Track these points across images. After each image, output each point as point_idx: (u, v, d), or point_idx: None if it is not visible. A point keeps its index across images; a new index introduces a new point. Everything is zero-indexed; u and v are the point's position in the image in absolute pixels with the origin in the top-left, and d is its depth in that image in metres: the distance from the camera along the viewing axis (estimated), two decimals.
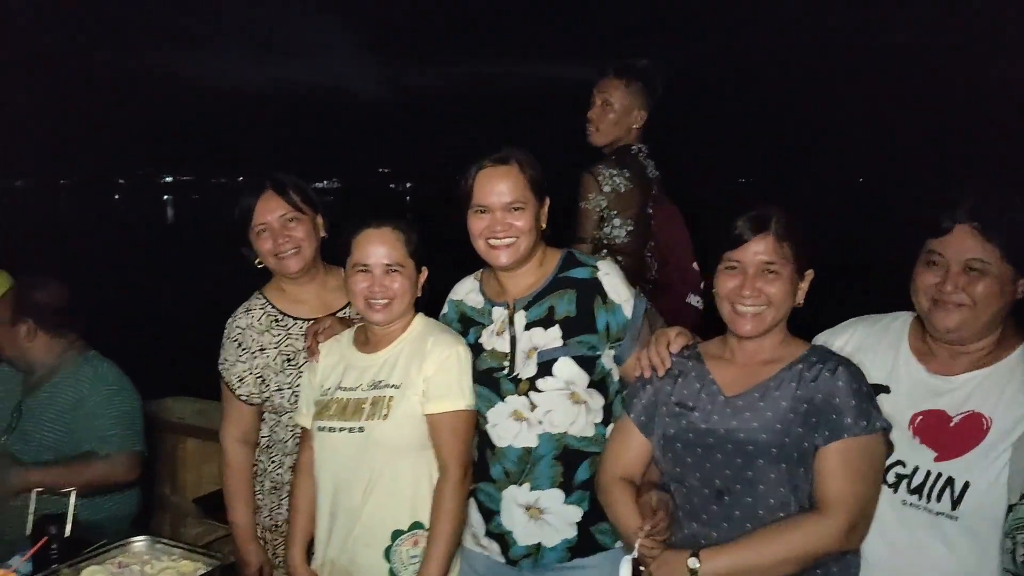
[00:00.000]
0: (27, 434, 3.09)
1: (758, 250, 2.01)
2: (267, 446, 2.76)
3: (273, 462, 2.74)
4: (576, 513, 2.31)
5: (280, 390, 2.68)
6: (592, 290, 2.34)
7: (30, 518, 2.42)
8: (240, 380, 2.71)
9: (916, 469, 1.97)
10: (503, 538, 2.36)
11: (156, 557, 2.27)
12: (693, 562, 1.91)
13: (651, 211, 3.37)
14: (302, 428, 2.56)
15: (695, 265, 3.41)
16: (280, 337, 2.72)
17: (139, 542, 2.32)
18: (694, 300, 3.35)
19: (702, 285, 3.35)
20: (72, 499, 2.39)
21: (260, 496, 2.76)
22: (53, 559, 2.23)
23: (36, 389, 3.17)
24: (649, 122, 3.43)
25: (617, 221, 3.22)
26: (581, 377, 2.31)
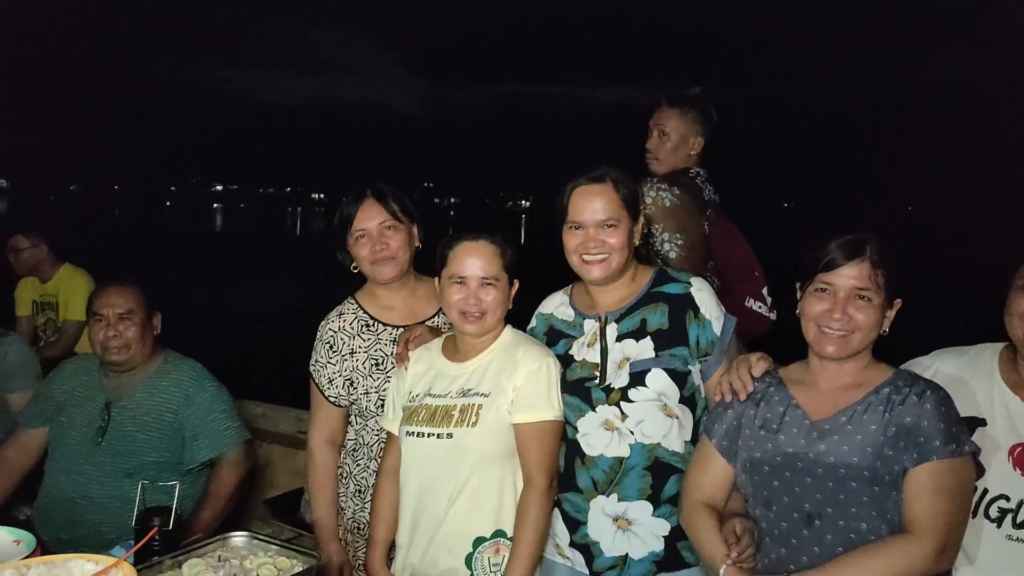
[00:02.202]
0: (127, 435, 3.18)
1: (852, 275, 2.03)
2: (353, 449, 2.83)
3: (359, 465, 2.81)
4: (664, 527, 2.34)
5: (367, 394, 2.76)
6: (685, 304, 2.38)
7: (136, 509, 2.51)
8: (330, 382, 2.79)
9: (1021, 503, 1.98)
10: (589, 549, 2.39)
11: (254, 552, 2.34)
12: None
13: (707, 230, 3.41)
14: (388, 433, 2.62)
15: (756, 273, 3.44)
16: (370, 342, 2.79)
17: (238, 537, 2.39)
18: (755, 305, 3.37)
19: (764, 291, 3.38)
20: (176, 492, 2.49)
21: (344, 498, 2.83)
22: (155, 551, 2.30)
23: (127, 389, 3.26)
24: (708, 149, 3.49)
25: (666, 236, 3.26)
26: (672, 390, 2.34)
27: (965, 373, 2.16)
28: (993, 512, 2.01)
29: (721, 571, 2.01)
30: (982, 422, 2.08)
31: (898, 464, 1.95)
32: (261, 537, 2.41)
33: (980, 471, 2.02)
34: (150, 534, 2.30)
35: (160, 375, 3.28)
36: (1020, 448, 2.02)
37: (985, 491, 2.03)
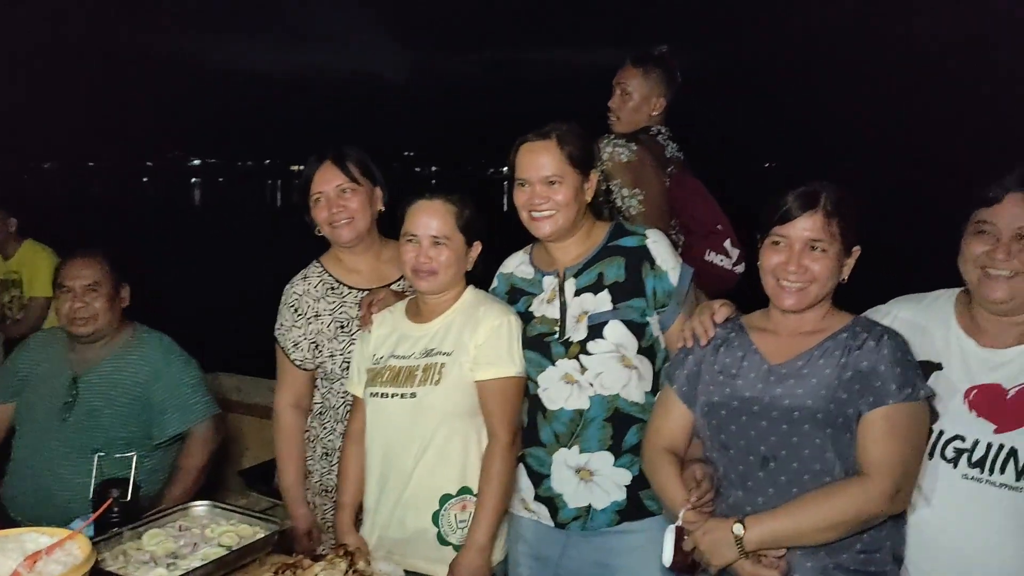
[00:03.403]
0: (94, 410, 3.15)
1: (806, 226, 2.03)
2: (319, 412, 2.83)
3: (325, 428, 2.81)
4: (625, 476, 2.36)
5: (332, 356, 2.76)
6: (641, 257, 2.39)
7: (92, 482, 2.49)
8: (295, 345, 2.79)
9: (976, 443, 1.99)
10: (552, 501, 2.41)
11: (215, 521, 2.34)
12: (738, 528, 1.95)
13: (669, 185, 3.41)
14: (353, 397, 2.63)
15: (719, 227, 3.45)
16: (335, 304, 2.79)
17: (199, 506, 2.39)
18: (716, 258, 3.38)
19: (727, 243, 3.38)
20: (134, 463, 2.47)
21: (311, 461, 2.83)
22: (114, 523, 2.29)
23: (94, 363, 3.23)
24: (684, 108, 3.51)
25: (625, 191, 3.27)
26: (631, 341, 2.36)
27: (922, 319, 2.17)
28: (949, 452, 2.02)
29: (680, 515, 2.03)
30: (938, 366, 2.09)
31: (852, 407, 1.96)
32: (223, 506, 2.40)
33: (934, 416, 2.03)
34: (105, 505, 2.28)
35: (128, 349, 3.25)
36: (975, 390, 2.03)
37: (941, 432, 2.04)
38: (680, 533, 2.03)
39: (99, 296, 3.19)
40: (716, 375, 2.15)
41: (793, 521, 1.94)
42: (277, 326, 2.84)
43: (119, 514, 2.33)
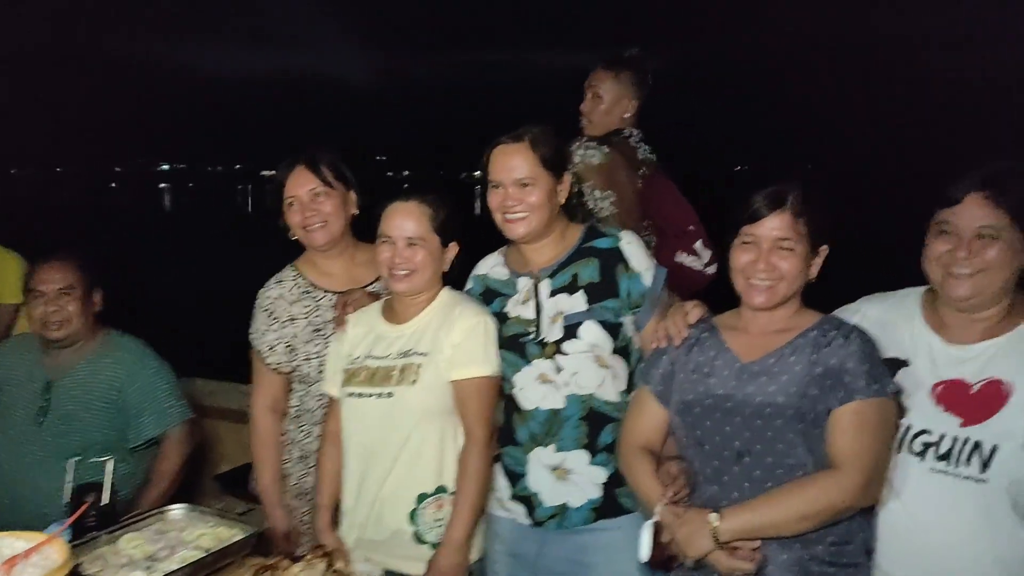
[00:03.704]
0: (69, 415, 3.13)
1: (774, 226, 2.08)
2: (296, 415, 2.84)
3: (302, 431, 2.82)
4: (601, 474, 2.40)
5: (308, 359, 2.77)
6: (615, 258, 2.43)
7: (67, 486, 2.48)
8: (270, 349, 2.79)
9: (943, 436, 2.04)
10: (529, 500, 2.44)
11: (193, 524, 2.34)
12: (714, 517, 1.99)
13: (640, 187, 3.45)
14: (329, 397, 2.64)
15: (690, 227, 3.49)
16: (310, 308, 2.79)
17: (176, 510, 2.39)
18: (686, 259, 3.43)
19: (698, 244, 3.43)
20: (110, 467, 2.46)
21: (288, 465, 2.84)
22: (90, 527, 2.29)
23: (68, 368, 3.21)
24: (653, 110, 3.53)
25: (597, 193, 3.31)
26: (606, 341, 2.39)
27: (890, 316, 2.22)
28: (916, 446, 2.07)
29: (657, 510, 2.06)
30: (905, 363, 2.14)
31: (823, 404, 2.01)
32: (200, 509, 2.41)
33: (902, 412, 2.09)
34: (81, 509, 2.28)
35: (102, 353, 3.24)
36: (941, 385, 2.08)
37: (909, 427, 2.09)
38: (657, 528, 2.07)
39: (72, 300, 3.18)
40: (690, 374, 2.19)
41: (768, 512, 1.98)
42: (252, 330, 2.84)
43: (96, 518, 2.32)
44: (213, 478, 4.26)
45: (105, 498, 2.39)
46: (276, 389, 2.84)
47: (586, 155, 3.30)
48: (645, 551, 2.07)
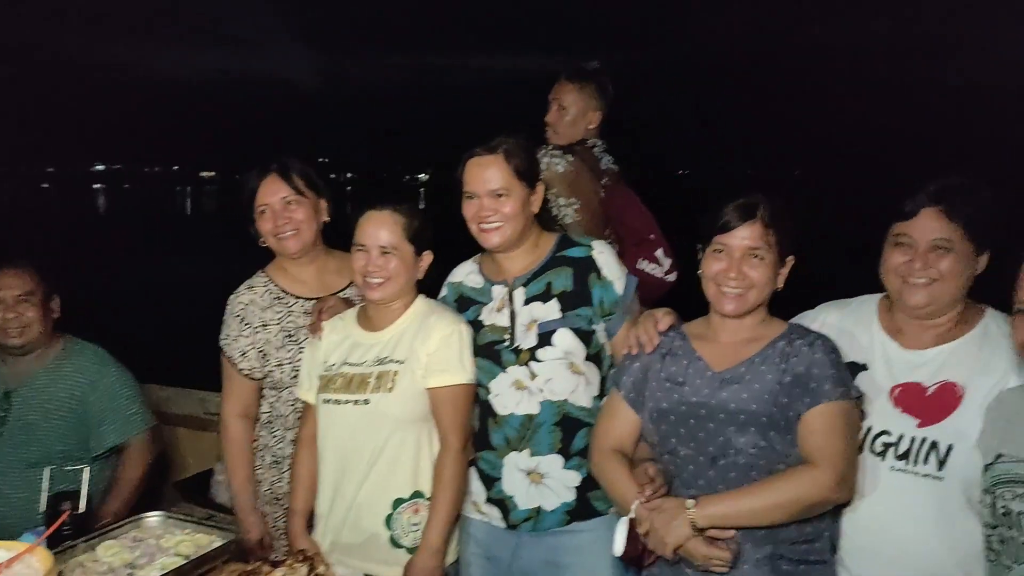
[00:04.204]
0: (30, 425, 3.11)
1: (745, 236, 2.17)
2: (268, 421, 2.86)
3: (275, 436, 2.84)
4: (575, 478, 2.46)
5: (280, 365, 2.79)
6: (588, 267, 2.49)
7: (43, 495, 2.46)
8: (242, 355, 2.80)
9: (901, 436, 2.15)
10: (504, 503, 2.49)
11: (169, 531, 2.35)
12: (690, 503, 2.06)
13: (603, 196, 3.53)
14: (304, 402, 2.67)
15: (652, 236, 3.59)
16: (282, 314, 2.82)
17: (152, 517, 2.38)
18: (647, 267, 3.52)
19: (659, 252, 3.52)
20: (86, 475, 2.45)
21: (261, 470, 2.85)
22: (66, 535, 2.28)
23: (27, 377, 3.17)
24: (607, 120, 3.62)
25: (562, 201, 3.39)
26: (579, 348, 2.45)
27: (848, 323, 2.33)
28: (877, 447, 2.19)
29: (633, 507, 2.13)
30: (864, 367, 2.25)
31: (792, 410, 2.10)
32: (176, 516, 2.41)
33: (863, 415, 2.20)
34: (63, 517, 2.27)
35: (61, 361, 3.20)
36: (899, 388, 2.20)
37: (869, 428, 2.20)
38: (632, 525, 2.14)
39: (31, 306, 3.15)
40: (663, 383, 2.26)
41: (744, 501, 2.07)
42: (223, 336, 2.85)
43: (71, 527, 2.31)
44: (172, 485, 4.22)
45: (81, 506, 2.38)
46: (247, 395, 2.85)
47: (551, 163, 3.38)
48: (619, 545, 2.14)
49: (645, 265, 3.47)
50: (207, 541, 2.30)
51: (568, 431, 2.45)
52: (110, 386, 3.19)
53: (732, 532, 2.07)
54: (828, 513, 2.15)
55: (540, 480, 2.46)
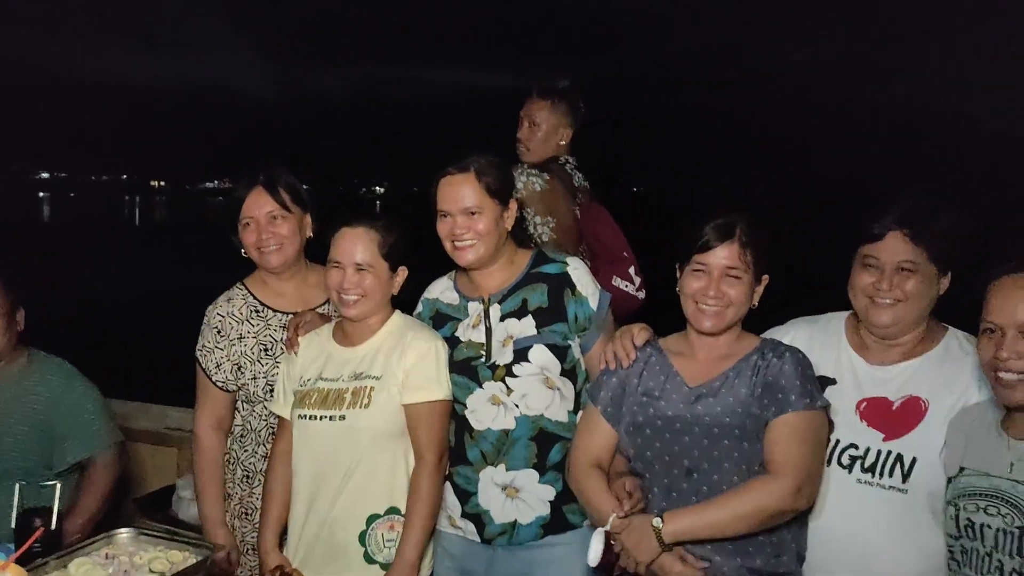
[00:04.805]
0: None
1: (724, 255, 2.22)
2: (240, 435, 2.84)
3: (246, 451, 2.82)
4: (549, 492, 2.48)
5: (255, 379, 2.78)
6: (562, 283, 2.53)
7: (14, 512, 2.42)
8: (217, 366, 2.79)
9: (868, 450, 2.23)
10: (479, 518, 2.51)
11: (142, 548, 2.32)
12: (657, 521, 2.12)
13: (578, 215, 3.58)
14: (279, 418, 2.66)
15: (625, 253, 3.64)
16: (259, 327, 2.81)
17: (123, 533, 2.35)
18: (621, 284, 3.58)
19: (631, 270, 3.58)
20: (57, 491, 2.41)
21: (231, 484, 2.83)
22: (37, 553, 2.24)
23: None
24: (577, 138, 3.67)
25: (538, 219, 3.42)
26: (554, 364, 2.48)
27: (817, 338, 2.41)
28: (844, 459, 2.26)
29: (611, 520, 2.17)
30: (833, 381, 2.33)
31: (762, 420, 2.17)
32: (148, 532, 2.38)
33: (831, 426, 2.27)
34: (36, 534, 2.23)
35: (25, 375, 3.14)
36: (865, 402, 2.28)
37: (837, 442, 2.27)
38: (608, 538, 2.18)
39: None
40: (640, 397, 2.31)
41: (707, 514, 2.12)
42: (199, 347, 2.83)
43: (41, 544, 2.27)
44: (132, 501, 4.15)
45: (52, 523, 2.34)
46: (221, 407, 2.84)
47: (528, 182, 3.41)
48: (594, 555, 2.18)
49: (619, 283, 3.53)
50: (181, 557, 2.28)
51: (543, 446, 2.48)
52: (75, 401, 3.13)
53: (704, 563, 2.12)
54: (794, 525, 2.21)
55: (516, 494, 2.49)
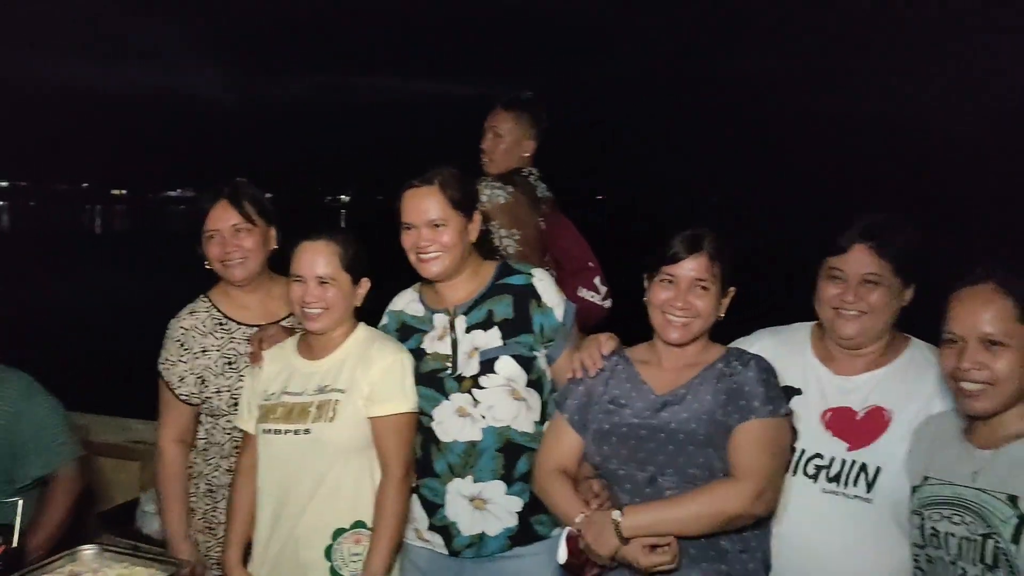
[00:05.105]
0: None
1: (692, 267, 2.25)
2: (204, 448, 2.81)
3: (210, 464, 2.79)
4: (517, 503, 2.48)
5: (219, 392, 2.75)
6: (528, 294, 2.54)
7: None
8: (180, 380, 2.76)
9: (833, 459, 2.25)
10: (447, 530, 2.50)
11: (106, 565, 2.28)
12: (617, 514, 2.12)
13: (543, 226, 3.60)
14: (243, 432, 2.63)
15: (590, 264, 3.66)
16: (223, 340, 2.79)
17: (87, 550, 2.31)
18: (587, 294, 3.59)
19: (597, 280, 3.60)
20: (19, 508, 2.36)
21: (195, 498, 2.80)
22: None
23: None
24: (540, 149, 3.69)
25: (503, 232, 3.43)
26: (520, 375, 2.49)
27: (783, 348, 2.43)
28: (810, 469, 2.28)
29: (578, 520, 2.19)
30: (798, 391, 2.35)
31: (727, 427, 2.18)
32: (112, 548, 2.34)
33: (795, 434, 2.29)
34: None
35: None
36: (830, 412, 2.31)
37: (802, 451, 2.29)
38: (573, 539, 2.19)
39: None
40: (606, 405, 2.32)
41: (666, 511, 2.13)
42: (161, 360, 2.80)
43: (3, 562, 2.23)
44: (96, 516, 4.08)
45: (14, 540, 2.29)
46: (185, 420, 2.81)
47: (492, 195, 3.42)
48: (562, 553, 2.20)
49: (585, 293, 3.54)
50: (146, 574, 2.24)
51: (510, 457, 2.48)
52: (37, 415, 3.06)
53: (670, 538, 2.12)
54: (760, 532, 2.23)
55: (483, 506, 2.48)
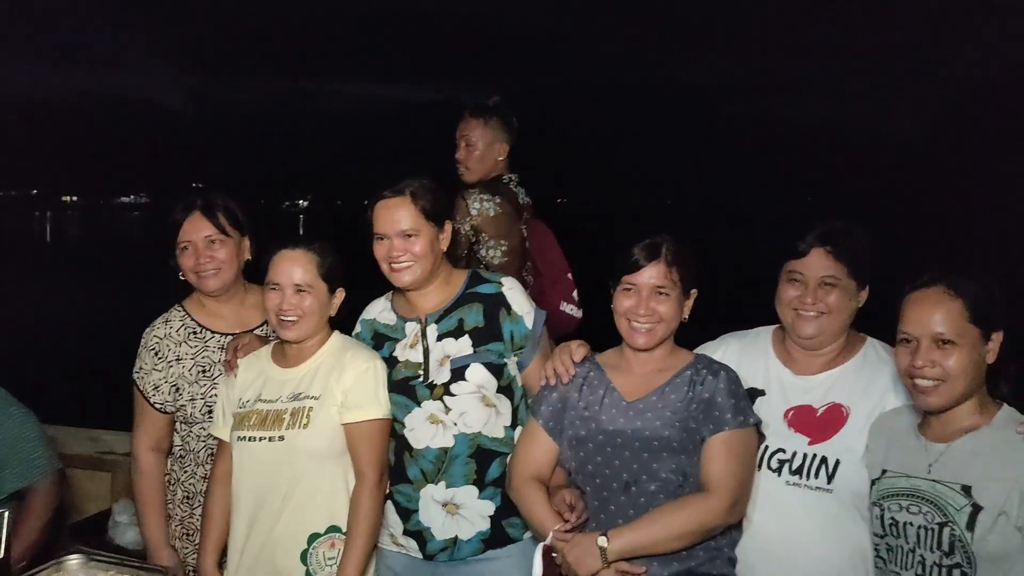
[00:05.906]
0: None
1: (651, 275, 2.33)
2: (180, 456, 2.84)
3: (186, 471, 2.82)
4: (489, 507, 2.54)
5: (193, 400, 2.78)
6: (498, 303, 2.59)
7: None
8: (155, 388, 2.79)
9: (795, 454, 2.35)
10: (421, 535, 2.55)
11: (92, 573, 2.30)
12: (603, 540, 2.18)
13: (525, 234, 3.65)
14: (218, 440, 2.66)
15: (569, 276, 3.72)
16: (197, 349, 2.82)
17: (74, 560, 2.33)
18: (567, 308, 3.65)
19: (575, 293, 3.67)
20: (5, 520, 2.37)
21: (171, 505, 2.83)
22: None
23: None
24: (513, 153, 3.72)
25: (491, 243, 3.47)
26: (491, 382, 2.54)
27: (746, 352, 2.54)
28: (774, 463, 2.38)
29: (551, 534, 2.25)
30: (762, 392, 2.46)
31: (698, 434, 2.27)
32: (98, 557, 2.36)
33: (762, 439, 2.39)
34: None
35: None
36: (792, 411, 2.41)
37: (766, 447, 2.39)
38: (548, 551, 2.25)
39: None
40: (581, 411, 2.39)
41: (648, 532, 2.20)
42: (136, 369, 2.83)
43: None
44: (67, 527, 4.06)
45: (0, 550, 2.30)
46: (160, 429, 2.83)
47: (483, 208, 3.44)
48: (537, 569, 2.25)
49: (566, 307, 3.60)
50: None
51: (482, 462, 2.53)
52: (12, 428, 3.04)
53: (643, 568, 2.20)
54: (728, 533, 2.32)
55: (456, 511, 2.53)
